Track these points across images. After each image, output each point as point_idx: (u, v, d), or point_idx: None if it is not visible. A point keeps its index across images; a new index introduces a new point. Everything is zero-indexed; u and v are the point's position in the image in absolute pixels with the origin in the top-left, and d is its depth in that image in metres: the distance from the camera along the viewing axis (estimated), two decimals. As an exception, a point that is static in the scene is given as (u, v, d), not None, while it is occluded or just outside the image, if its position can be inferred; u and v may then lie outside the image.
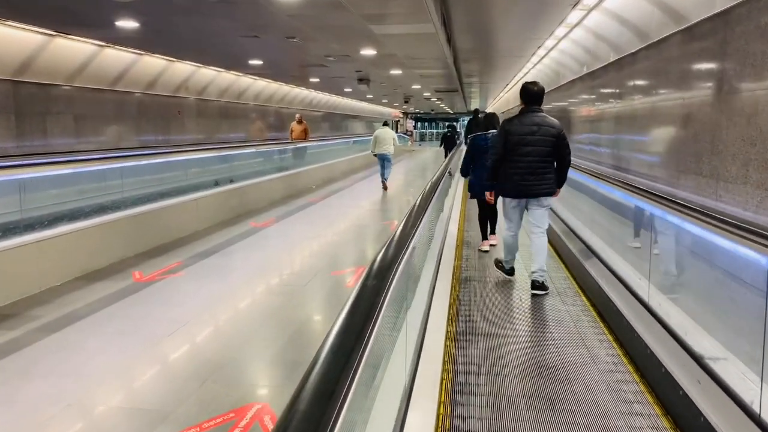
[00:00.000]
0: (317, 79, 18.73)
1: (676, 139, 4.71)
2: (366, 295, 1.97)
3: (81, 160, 8.43)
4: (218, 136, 16.18)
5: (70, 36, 9.95)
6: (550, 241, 5.92)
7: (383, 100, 33.64)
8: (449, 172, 9.62)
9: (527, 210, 5.52)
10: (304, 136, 17.93)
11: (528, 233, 5.71)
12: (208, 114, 16.10)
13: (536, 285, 5.41)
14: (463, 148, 12.53)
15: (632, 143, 5.87)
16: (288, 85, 21.35)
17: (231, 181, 12.18)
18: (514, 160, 5.32)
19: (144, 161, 9.44)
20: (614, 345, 4.28)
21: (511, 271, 5.90)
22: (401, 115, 54.78)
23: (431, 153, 35.84)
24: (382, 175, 15.61)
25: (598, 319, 4.83)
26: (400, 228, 3.25)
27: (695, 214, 3.38)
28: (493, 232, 7.41)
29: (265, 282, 6.99)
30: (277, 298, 6.27)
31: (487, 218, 7.29)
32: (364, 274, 2.20)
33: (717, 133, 3.87)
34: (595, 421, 3.19)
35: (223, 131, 16.77)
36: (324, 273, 7.32)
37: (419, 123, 67.84)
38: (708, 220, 3.18)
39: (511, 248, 5.76)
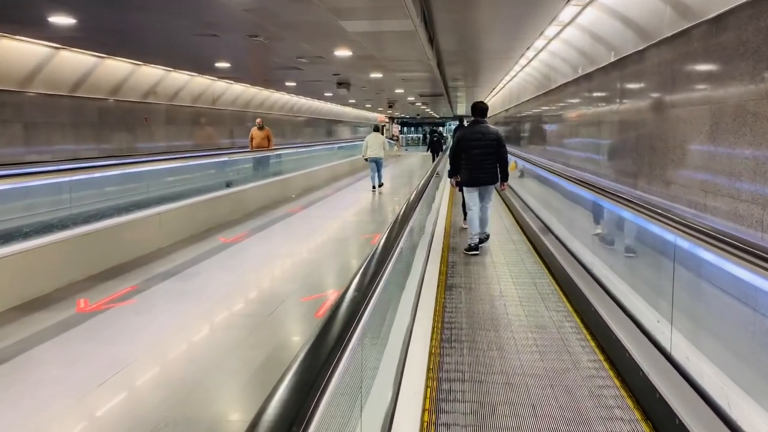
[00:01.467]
0: (293, 83, 17.90)
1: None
2: (326, 343, 1.77)
3: (21, 174, 7.58)
4: (190, 144, 15.34)
5: (15, 37, 9.11)
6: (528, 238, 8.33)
7: (367, 105, 32.93)
8: (437, 173, 10.80)
9: (481, 194, 7.59)
10: (267, 143, 15.86)
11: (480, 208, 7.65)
12: (180, 120, 15.27)
13: (482, 240, 7.70)
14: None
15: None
16: (267, 90, 20.56)
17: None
18: (466, 158, 7.43)
19: (97, 173, 8.59)
20: (565, 302, 5.64)
21: (475, 248, 7.56)
22: (387, 120, 54.26)
23: (418, 158, 35.17)
24: (374, 178, 16.58)
25: (557, 289, 6.09)
26: (379, 249, 3.07)
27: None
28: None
29: (225, 312, 6.21)
30: (235, 333, 5.49)
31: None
32: (329, 311, 2.02)
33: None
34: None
35: (195, 138, 15.94)
36: (293, 299, 6.55)
37: (405, 128, 67.38)
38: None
39: (473, 222, 7.60)
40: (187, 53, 11.07)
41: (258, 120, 16.05)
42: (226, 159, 13.55)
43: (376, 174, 16.48)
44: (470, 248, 7.54)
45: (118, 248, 8.23)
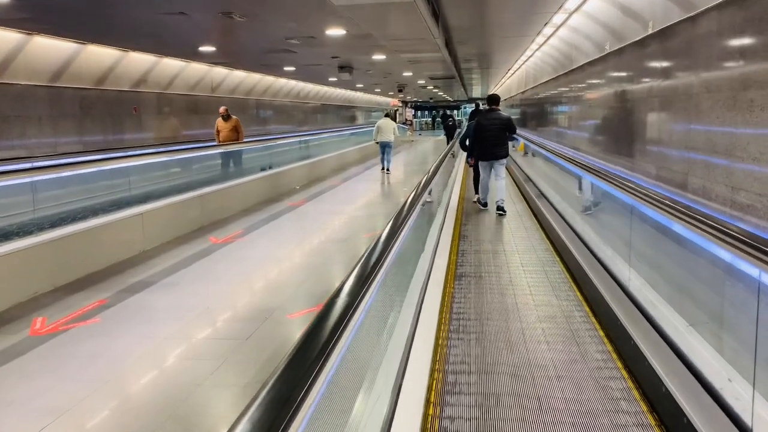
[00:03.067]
0: (292, 68, 16.84)
1: None
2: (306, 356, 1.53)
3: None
4: (185, 134, 14.46)
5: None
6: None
7: (376, 90, 31.84)
8: (452, 154, 12.30)
9: (493, 167, 9.42)
10: (236, 136, 13.18)
11: (495, 180, 9.48)
12: (173, 110, 14.39)
13: (499, 208, 9.26)
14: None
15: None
16: (271, 76, 19.64)
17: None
18: (482, 139, 9.41)
19: (67, 172, 7.75)
20: (553, 253, 6.87)
21: (485, 205, 9.78)
22: (400, 104, 53.24)
23: (431, 144, 34.08)
24: (383, 161, 17.55)
25: (551, 248, 7.24)
26: (381, 240, 2.95)
27: None
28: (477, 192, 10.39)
29: (196, 334, 5.36)
30: (201, 366, 4.64)
31: (478, 178, 10.27)
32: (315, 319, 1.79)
33: None
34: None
35: (192, 127, 15.05)
36: (278, 316, 5.69)
37: (419, 112, 66.16)
38: None
39: (485, 189, 9.77)
40: (155, 34, 10.05)
41: (222, 108, 13.05)
42: (223, 150, 12.64)
43: (386, 157, 17.59)
44: (479, 202, 9.98)
45: (92, 254, 7.43)
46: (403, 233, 3.52)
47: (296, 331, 5.29)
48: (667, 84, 4.33)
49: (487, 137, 9.32)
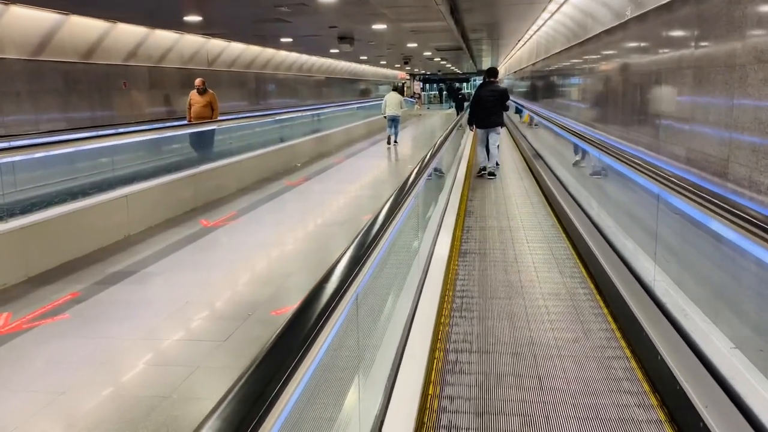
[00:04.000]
0: (289, 39, 16.06)
1: None
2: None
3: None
4: (179, 110, 13.82)
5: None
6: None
7: (381, 62, 30.95)
8: (460, 125, 12.63)
9: (488, 135, 10.30)
10: (210, 113, 11.61)
11: (492, 147, 10.36)
12: (166, 84, 13.74)
13: (491, 173, 10.34)
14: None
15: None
16: (271, 49, 18.93)
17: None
18: (480, 108, 10.31)
19: (39, 153, 7.21)
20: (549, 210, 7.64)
21: (483, 170, 10.46)
22: (408, 77, 52.31)
23: (440, 118, 33.30)
24: (394, 134, 18.04)
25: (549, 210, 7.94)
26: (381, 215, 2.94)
27: None
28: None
29: (169, 334, 4.87)
30: (170, 374, 4.15)
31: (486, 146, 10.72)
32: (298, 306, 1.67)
33: None
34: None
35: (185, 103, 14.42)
36: (262, 312, 5.18)
37: (427, 85, 65.13)
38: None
39: (479, 155, 10.83)
40: (132, 2, 9.31)
41: (197, 81, 11.49)
42: (216, 126, 12.04)
43: (393, 130, 17.99)
44: (479, 172, 10.61)
45: (71, 240, 6.95)
46: (403, 211, 3.37)
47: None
48: (702, 53, 3.71)
49: (484, 107, 10.25)
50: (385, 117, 18.06)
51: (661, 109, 4.57)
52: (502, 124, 10.61)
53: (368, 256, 2.28)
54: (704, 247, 3.24)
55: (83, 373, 4.16)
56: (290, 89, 23.12)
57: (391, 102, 17.78)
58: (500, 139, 10.83)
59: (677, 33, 4.21)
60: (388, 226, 2.92)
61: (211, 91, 11.71)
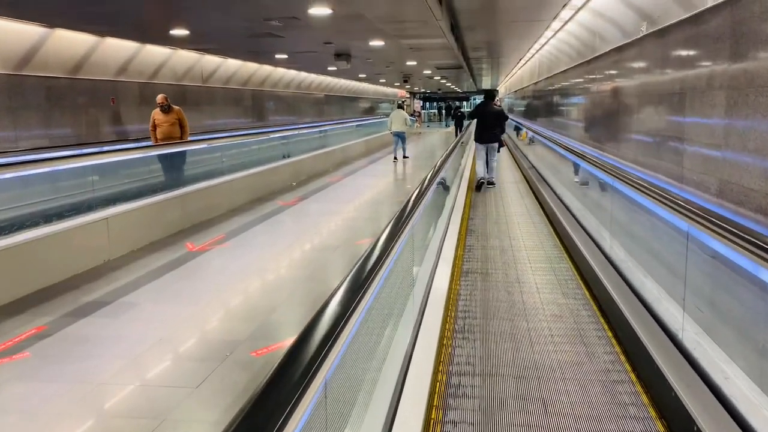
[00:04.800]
0: (284, 56, 15.64)
1: None
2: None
3: None
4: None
5: None
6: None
7: (380, 80, 30.64)
8: (463, 143, 13.80)
9: (488, 149, 11.69)
10: (179, 133, 10.47)
11: (491, 161, 11.80)
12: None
13: (489, 182, 11.88)
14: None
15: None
16: (267, 66, 18.58)
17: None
18: (479, 126, 11.78)
19: (7, 173, 6.75)
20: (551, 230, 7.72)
21: (479, 187, 11.68)
22: (408, 95, 52.22)
23: (439, 136, 32.96)
24: (401, 149, 18.95)
25: (547, 221, 8.50)
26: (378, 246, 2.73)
27: None
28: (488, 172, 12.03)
29: (139, 378, 4.38)
30: (137, 428, 3.66)
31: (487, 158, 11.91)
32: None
33: None
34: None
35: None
36: (241, 353, 4.70)
37: (427, 103, 65.30)
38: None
39: (479, 169, 11.90)
40: (108, 14, 8.80)
41: (159, 97, 10.17)
42: (208, 145, 11.60)
43: (399, 146, 18.83)
44: (477, 185, 11.76)
45: (44, 266, 6.49)
46: (402, 237, 3.22)
47: (259, 374, 4.30)
48: (738, 70, 3.26)
49: (484, 125, 11.70)
50: (391, 133, 18.93)
51: (684, 133, 4.11)
52: (501, 143, 12.10)
53: (358, 303, 2.09)
54: (748, 298, 2.78)
55: (34, 427, 3.67)
56: (288, 107, 22.78)
57: (397, 119, 18.57)
58: (499, 156, 12.32)
59: (706, 48, 3.77)
60: (383, 263, 2.64)
61: (176, 107, 10.53)
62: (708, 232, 2.70)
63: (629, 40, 5.77)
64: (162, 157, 9.92)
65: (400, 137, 18.69)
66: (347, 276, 2.27)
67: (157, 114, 10.36)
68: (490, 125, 11.58)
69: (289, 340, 4.90)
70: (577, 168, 7.80)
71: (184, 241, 8.45)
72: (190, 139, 10.82)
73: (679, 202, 3.17)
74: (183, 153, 10.26)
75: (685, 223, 3.08)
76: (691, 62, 4.06)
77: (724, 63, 3.46)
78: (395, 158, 18.86)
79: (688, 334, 3.23)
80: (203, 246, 8.22)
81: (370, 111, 39.54)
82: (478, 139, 11.77)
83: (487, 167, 11.76)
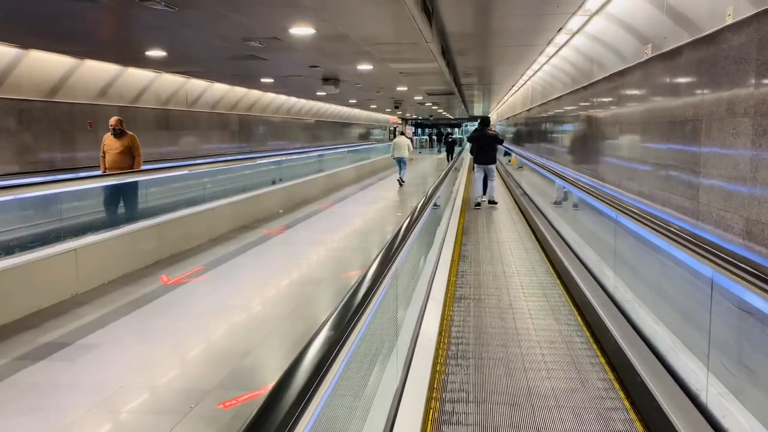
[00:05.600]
0: (270, 80, 15.28)
1: None
2: None
3: None
4: (152, 151, 12.97)
5: None
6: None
7: (371, 106, 30.43)
8: (455, 168, 14.73)
9: (485, 170, 12.81)
10: (131, 161, 9.29)
11: (489, 182, 12.94)
12: (140, 125, 12.93)
13: (491, 201, 12.99)
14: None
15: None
16: (256, 90, 18.26)
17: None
18: (477, 150, 12.93)
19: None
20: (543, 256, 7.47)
21: (478, 205, 12.69)
22: (400, 122, 52.32)
23: (431, 163, 32.70)
24: (401, 173, 19.83)
25: (533, 237, 8.98)
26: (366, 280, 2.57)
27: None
28: (484, 193, 13.13)
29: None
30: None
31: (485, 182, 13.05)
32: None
33: None
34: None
35: (161, 144, 13.60)
36: (206, 405, 4.21)
37: (419, 129, 65.74)
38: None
39: (477, 190, 12.93)
40: (72, 31, 8.35)
41: (113, 120, 9.12)
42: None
43: (400, 170, 19.83)
44: (476, 205, 12.64)
45: (2, 303, 5.98)
46: (391, 271, 3.06)
47: (225, 430, 3.82)
48: (766, 92, 2.88)
49: (482, 147, 12.76)
50: (393, 158, 20.21)
51: (701, 165, 3.70)
52: (495, 161, 13.32)
53: (342, 346, 1.93)
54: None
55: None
56: (278, 132, 22.44)
57: (400, 145, 19.70)
58: (495, 176, 13.25)
59: (726, 70, 3.39)
60: (369, 301, 2.46)
61: (130, 133, 9.32)
62: (742, 282, 2.29)
63: (632, 64, 5.41)
64: (109, 189, 8.75)
65: (402, 162, 19.77)
66: (331, 315, 2.14)
67: (107, 139, 9.16)
68: (489, 148, 12.69)
69: (263, 389, 4.45)
70: (567, 194, 7.70)
71: (159, 273, 7.97)
72: (168, 165, 10.39)
73: (702, 244, 2.75)
74: (134, 184, 9.00)
75: (709, 268, 2.66)
76: (708, 86, 3.68)
77: (749, 86, 3.08)
78: (400, 180, 19.90)
79: (714, 395, 2.79)
80: (179, 278, 7.74)
81: (363, 137, 39.35)
82: (477, 161, 12.82)
83: (485, 188, 12.88)
